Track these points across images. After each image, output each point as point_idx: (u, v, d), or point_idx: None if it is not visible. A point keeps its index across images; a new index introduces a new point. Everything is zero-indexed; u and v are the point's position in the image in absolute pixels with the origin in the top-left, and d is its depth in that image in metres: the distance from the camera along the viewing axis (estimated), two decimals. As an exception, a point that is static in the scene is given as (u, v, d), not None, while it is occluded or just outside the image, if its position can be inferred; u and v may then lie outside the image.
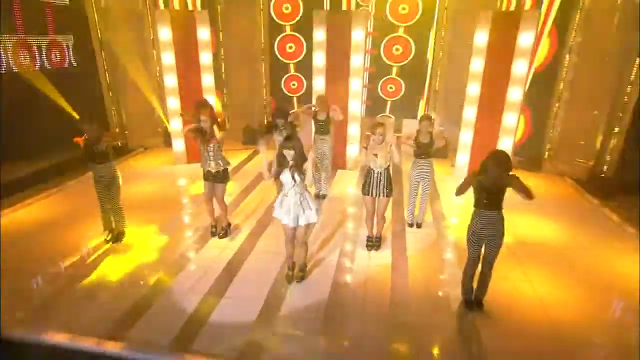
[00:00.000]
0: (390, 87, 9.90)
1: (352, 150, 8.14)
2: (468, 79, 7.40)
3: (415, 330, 3.75)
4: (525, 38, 6.72)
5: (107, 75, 8.96)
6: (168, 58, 7.73)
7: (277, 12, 9.83)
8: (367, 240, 5.27)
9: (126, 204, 5.24)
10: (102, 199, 5.01)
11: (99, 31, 8.62)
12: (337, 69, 7.69)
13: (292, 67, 10.18)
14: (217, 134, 4.89)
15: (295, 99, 10.47)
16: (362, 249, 5.16)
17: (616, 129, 7.30)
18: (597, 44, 7.49)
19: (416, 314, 3.97)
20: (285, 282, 4.49)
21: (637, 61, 6.91)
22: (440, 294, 4.30)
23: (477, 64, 7.26)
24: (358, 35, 7.52)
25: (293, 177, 4.14)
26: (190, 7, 9.01)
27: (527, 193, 3.69)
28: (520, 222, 5.77)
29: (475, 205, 3.89)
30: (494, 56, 7.07)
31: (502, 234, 3.87)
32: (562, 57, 7.96)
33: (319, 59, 7.69)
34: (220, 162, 5.03)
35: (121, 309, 3.97)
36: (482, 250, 3.97)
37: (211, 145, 4.94)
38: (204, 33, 7.74)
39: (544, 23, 7.56)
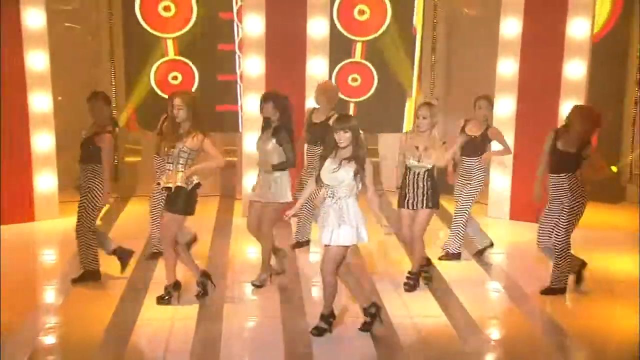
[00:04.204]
0: (353, 79, 11.11)
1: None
2: (498, 52, 8.93)
3: None
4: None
5: None
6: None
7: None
8: (407, 278, 6.67)
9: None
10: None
11: None
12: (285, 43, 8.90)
13: (170, 44, 10.91)
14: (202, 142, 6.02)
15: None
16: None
17: None
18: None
19: None
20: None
21: None
22: None
23: (511, 26, 8.82)
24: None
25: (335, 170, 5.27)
26: None
27: (602, 169, 6.49)
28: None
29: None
30: (535, 15, 8.65)
31: (573, 200, 6.23)
32: (630, 25, 10.03)
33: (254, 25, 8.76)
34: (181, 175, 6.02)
35: None
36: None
37: (180, 147, 5.97)
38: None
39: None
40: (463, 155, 7.37)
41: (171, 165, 6.03)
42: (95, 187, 6.50)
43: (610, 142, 10.26)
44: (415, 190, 6.29)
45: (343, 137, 5.25)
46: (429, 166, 6.26)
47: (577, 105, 6.62)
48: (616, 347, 5.74)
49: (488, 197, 9.31)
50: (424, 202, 6.30)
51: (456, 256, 7.62)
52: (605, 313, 6.35)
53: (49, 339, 5.79)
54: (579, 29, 8.56)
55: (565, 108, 8.51)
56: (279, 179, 6.59)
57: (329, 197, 5.39)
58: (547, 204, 6.42)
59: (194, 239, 7.54)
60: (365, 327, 5.63)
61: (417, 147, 6.20)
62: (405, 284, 6.64)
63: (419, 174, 6.26)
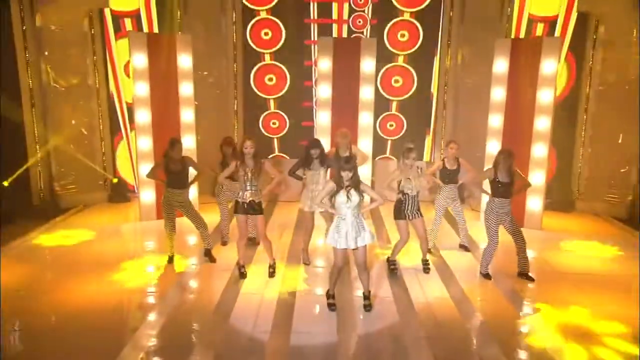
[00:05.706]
0: (390, 125, 10.58)
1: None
2: (489, 110, 8.24)
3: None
4: (548, 65, 7.66)
5: (33, 111, 8.56)
6: (141, 89, 7.81)
7: (254, 38, 10.32)
8: (423, 264, 6.36)
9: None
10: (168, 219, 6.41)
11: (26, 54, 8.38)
12: (345, 102, 8.42)
13: (272, 102, 10.64)
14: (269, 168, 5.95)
15: (275, 141, 10.78)
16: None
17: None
18: (617, 73, 8.77)
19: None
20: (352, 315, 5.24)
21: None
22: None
23: (498, 94, 8.12)
24: (368, 65, 8.25)
25: (348, 197, 4.94)
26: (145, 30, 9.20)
27: (526, 182, 6.46)
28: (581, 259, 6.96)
29: (493, 195, 5.96)
30: (515, 85, 7.97)
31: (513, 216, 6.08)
32: (581, 87, 9.11)
33: (324, 90, 8.34)
34: (257, 192, 5.88)
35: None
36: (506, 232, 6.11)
37: (249, 173, 5.78)
38: (185, 60, 7.98)
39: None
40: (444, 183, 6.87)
41: (249, 184, 5.78)
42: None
43: (565, 172, 9.45)
44: (413, 206, 6.00)
45: (347, 176, 4.94)
46: (417, 191, 6.02)
47: (501, 150, 6.39)
48: (571, 316, 5.24)
49: (481, 206, 8.55)
50: (418, 213, 6.06)
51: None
52: (561, 294, 5.76)
53: (187, 298, 5.66)
54: (545, 96, 7.77)
55: (536, 149, 7.96)
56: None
57: (349, 214, 4.98)
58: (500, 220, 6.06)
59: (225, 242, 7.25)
60: (370, 307, 5.27)
61: (409, 179, 5.94)
62: (424, 269, 6.33)
63: (413, 196, 5.99)
